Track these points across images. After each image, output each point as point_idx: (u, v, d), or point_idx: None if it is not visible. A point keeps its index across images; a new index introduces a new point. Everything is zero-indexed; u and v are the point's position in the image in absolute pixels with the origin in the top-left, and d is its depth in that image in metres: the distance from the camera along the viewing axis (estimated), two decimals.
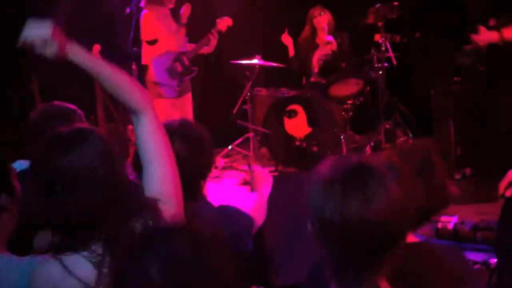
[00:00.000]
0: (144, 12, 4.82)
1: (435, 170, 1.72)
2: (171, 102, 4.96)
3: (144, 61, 4.91)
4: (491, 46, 3.96)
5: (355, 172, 1.30)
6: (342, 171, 1.30)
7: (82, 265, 1.45)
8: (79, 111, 2.41)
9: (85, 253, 1.47)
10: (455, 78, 5.03)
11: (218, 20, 5.16)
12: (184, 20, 4.95)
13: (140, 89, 1.69)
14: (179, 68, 4.94)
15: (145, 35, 4.83)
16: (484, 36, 3.84)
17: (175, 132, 1.95)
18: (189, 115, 5.14)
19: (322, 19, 5.81)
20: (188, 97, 5.15)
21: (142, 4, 4.85)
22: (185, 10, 4.97)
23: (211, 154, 2.17)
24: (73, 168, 1.46)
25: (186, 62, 4.99)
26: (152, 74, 4.89)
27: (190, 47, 5.14)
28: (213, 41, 5.10)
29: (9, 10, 5.08)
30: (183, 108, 5.06)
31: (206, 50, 5.18)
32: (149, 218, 1.52)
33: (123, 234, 1.47)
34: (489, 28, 3.93)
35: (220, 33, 5.15)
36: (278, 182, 2.49)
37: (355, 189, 1.26)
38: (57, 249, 1.49)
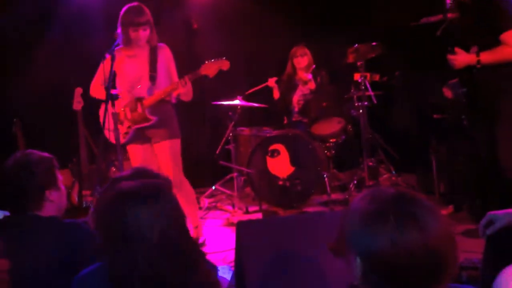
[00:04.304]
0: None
1: None
2: (142, 148, 4.35)
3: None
4: (470, 82, 3.88)
5: (400, 201, 1.28)
6: (388, 202, 1.27)
7: None
8: (55, 161, 2.34)
9: None
10: (435, 115, 5.09)
11: (205, 64, 4.17)
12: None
13: None
14: (124, 116, 4.26)
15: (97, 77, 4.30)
16: (461, 57, 3.72)
17: None
18: (164, 161, 4.32)
19: (303, 60, 5.92)
20: (161, 145, 4.33)
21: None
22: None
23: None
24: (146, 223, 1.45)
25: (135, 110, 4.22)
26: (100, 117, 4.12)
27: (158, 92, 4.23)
28: (181, 89, 4.11)
29: None
30: (158, 155, 4.37)
31: (184, 98, 4.25)
32: None
33: None
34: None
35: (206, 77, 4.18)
36: (259, 227, 2.48)
37: (407, 218, 1.24)
38: None
